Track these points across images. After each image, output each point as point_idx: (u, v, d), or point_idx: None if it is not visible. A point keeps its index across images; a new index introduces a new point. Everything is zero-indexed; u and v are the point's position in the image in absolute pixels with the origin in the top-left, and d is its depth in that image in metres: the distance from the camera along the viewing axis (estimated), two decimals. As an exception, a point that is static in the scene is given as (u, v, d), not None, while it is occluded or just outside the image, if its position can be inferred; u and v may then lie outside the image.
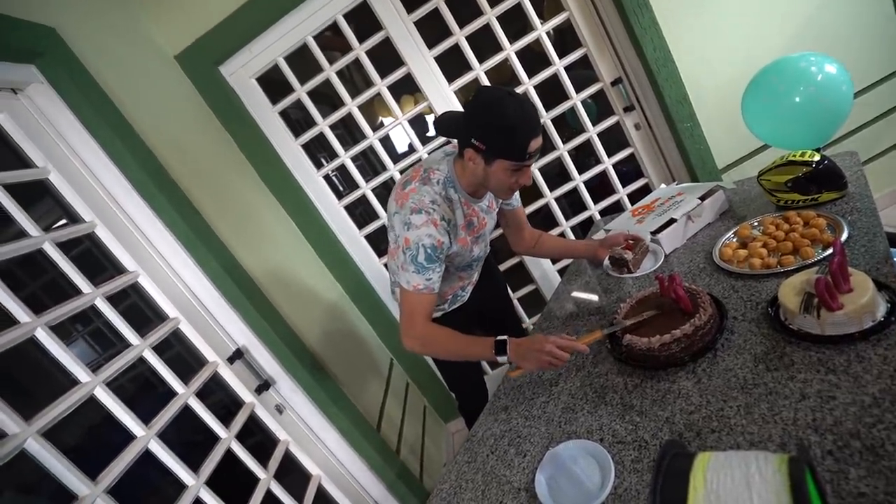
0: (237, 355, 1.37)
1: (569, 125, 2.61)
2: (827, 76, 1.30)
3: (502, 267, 2.23)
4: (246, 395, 1.38)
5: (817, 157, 1.08)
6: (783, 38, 1.83)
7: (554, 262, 2.24)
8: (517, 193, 1.44)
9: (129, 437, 1.02)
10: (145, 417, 1.06)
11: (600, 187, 2.18)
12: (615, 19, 1.85)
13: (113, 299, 1.13)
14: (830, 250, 0.87)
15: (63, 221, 1.24)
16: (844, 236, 0.91)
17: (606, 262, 1.33)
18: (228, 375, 1.36)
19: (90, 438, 1.07)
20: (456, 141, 1.12)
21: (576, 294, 1.36)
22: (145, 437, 1.03)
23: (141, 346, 1.13)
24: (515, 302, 2.29)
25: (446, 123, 1.13)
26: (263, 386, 1.41)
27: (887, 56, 1.87)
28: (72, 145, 1.16)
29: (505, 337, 1.03)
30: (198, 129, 1.70)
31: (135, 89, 1.40)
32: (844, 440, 0.58)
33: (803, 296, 0.74)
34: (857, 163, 1.20)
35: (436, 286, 1.10)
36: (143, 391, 1.25)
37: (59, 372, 0.97)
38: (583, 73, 2.01)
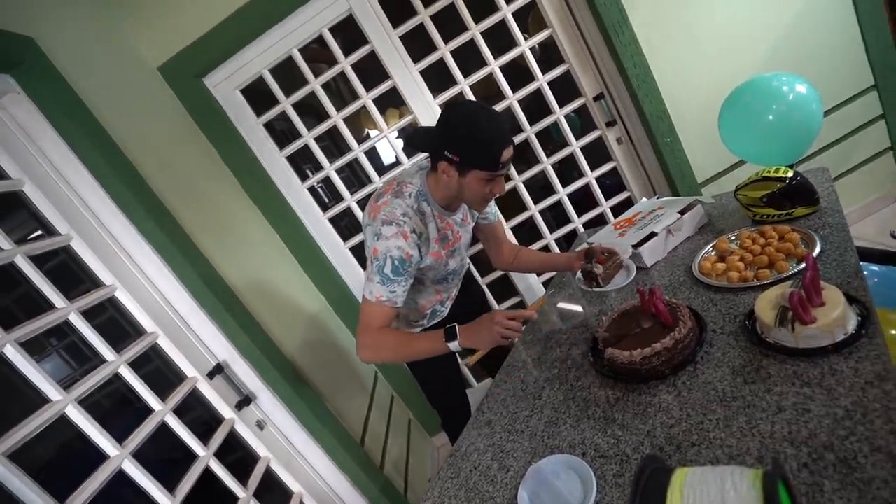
0: (217, 370, 1.34)
1: (553, 139, 2.65)
2: (798, 95, 1.35)
3: (487, 279, 2.24)
4: (226, 410, 1.35)
5: (791, 174, 1.11)
6: (757, 57, 1.89)
7: (538, 274, 2.25)
8: (495, 208, 1.46)
9: (101, 457, 0.99)
10: (120, 436, 1.03)
11: (584, 200, 2.21)
12: (596, 36, 1.90)
13: (88, 314, 1.10)
14: (804, 264, 0.89)
15: (38, 233, 1.21)
16: (817, 251, 0.93)
17: (578, 274, 1.34)
18: (208, 391, 1.32)
19: (60, 459, 1.03)
20: None
21: (560, 306, 1.37)
22: (119, 456, 1.00)
23: (116, 362, 1.09)
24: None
25: (417, 138, 1.16)
26: (244, 401, 1.38)
27: (854, 76, 1.95)
28: (48, 156, 1.14)
29: (453, 325, 1.08)
30: (180, 141, 1.68)
31: (115, 100, 1.38)
32: (819, 453, 0.59)
33: (778, 309, 0.76)
34: (828, 178, 1.24)
35: (399, 300, 1.10)
36: (118, 408, 1.22)
37: (29, 390, 0.94)
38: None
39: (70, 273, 1.19)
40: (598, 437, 0.81)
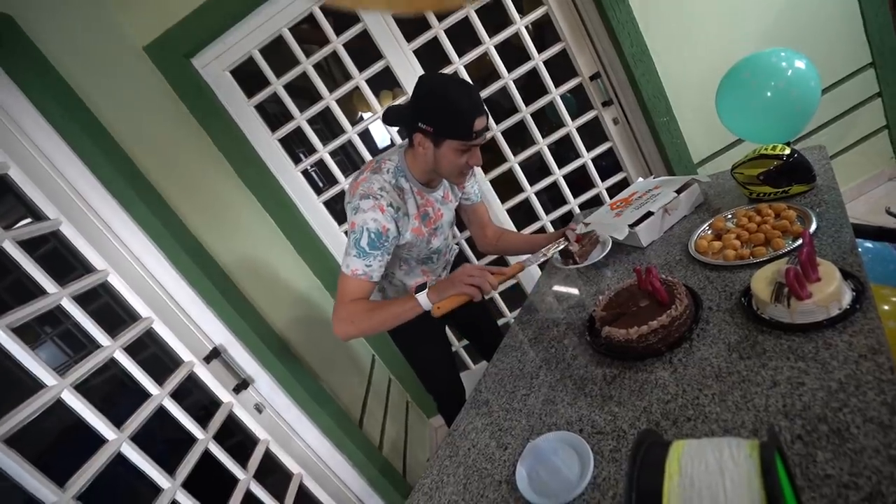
0: (214, 354, 1.34)
1: (549, 119, 2.62)
2: (796, 72, 1.34)
3: (482, 262, 2.24)
4: (224, 394, 1.36)
5: (788, 151, 1.10)
6: (755, 34, 1.87)
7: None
8: (477, 188, 1.46)
9: (100, 441, 0.99)
10: (118, 420, 1.03)
11: (580, 181, 2.20)
12: (593, 14, 1.86)
13: (82, 299, 1.09)
14: (800, 241, 0.89)
15: (27, 221, 1.18)
16: (813, 228, 0.93)
17: (556, 256, 1.35)
18: (205, 375, 1.33)
19: (58, 443, 1.03)
20: None
21: (556, 288, 1.37)
22: (117, 440, 1.00)
23: (112, 347, 1.09)
24: (496, 297, 2.30)
25: (394, 114, 1.16)
26: (242, 385, 1.38)
27: (852, 53, 1.93)
28: (33, 139, 1.11)
29: (426, 281, 1.12)
30: (169, 123, 1.65)
31: (101, 81, 1.34)
32: (812, 424, 0.59)
33: (774, 286, 0.76)
34: (825, 157, 1.23)
35: (374, 274, 1.09)
36: (115, 393, 1.21)
37: (25, 376, 0.93)
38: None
39: (61, 259, 1.17)
40: (595, 413, 0.81)
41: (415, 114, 1.07)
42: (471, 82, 1.12)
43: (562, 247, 1.27)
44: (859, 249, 0.86)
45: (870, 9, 1.86)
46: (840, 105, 1.99)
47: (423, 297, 1.06)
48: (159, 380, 1.17)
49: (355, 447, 1.59)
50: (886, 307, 1.02)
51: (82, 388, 0.99)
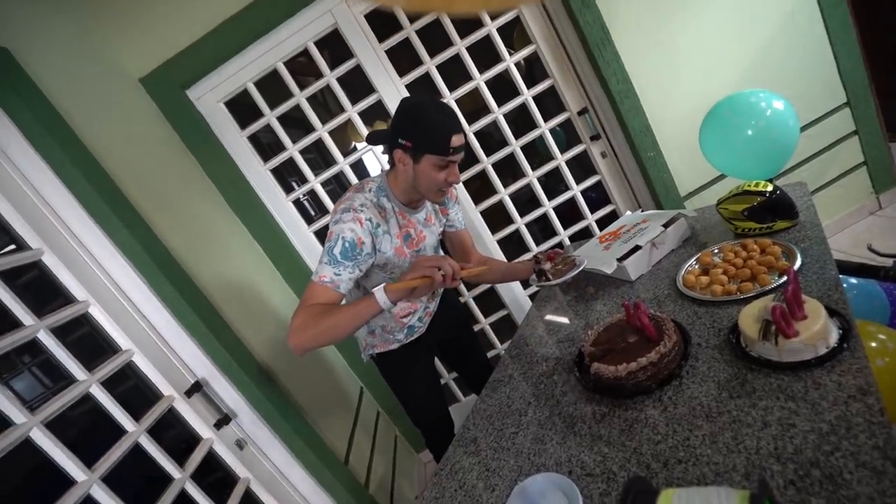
0: (195, 388, 1.30)
1: (539, 152, 2.67)
2: (775, 111, 1.38)
3: (474, 292, 2.23)
4: (204, 430, 1.31)
5: (770, 188, 1.12)
6: (736, 74, 1.94)
7: (524, 286, 2.25)
8: (461, 216, 1.47)
9: (68, 483, 0.94)
10: (90, 460, 0.98)
11: (569, 213, 2.22)
12: (580, 52, 1.93)
13: (60, 331, 1.05)
14: (786, 278, 0.90)
15: (10, 248, 1.16)
16: (798, 264, 0.94)
17: (533, 275, 1.37)
18: (185, 410, 1.28)
19: (24, 485, 0.98)
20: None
21: (547, 318, 1.36)
22: (87, 481, 0.95)
23: (88, 382, 1.05)
24: (487, 327, 2.28)
25: (376, 136, 1.20)
26: (223, 420, 1.33)
27: (828, 93, 2.01)
28: (20, 168, 1.10)
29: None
30: (161, 153, 1.65)
31: (93, 111, 1.35)
32: (805, 469, 0.58)
33: (761, 323, 0.76)
34: (806, 193, 1.26)
35: (342, 286, 1.06)
36: (89, 430, 1.16)
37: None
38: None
39: (41, 289, 1.14)
40: (584, 454, 0.79)
41: (394, 131, 1.11)
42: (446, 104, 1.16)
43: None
44: (844, 286, 0.86)
45: (842, 51, 1.95)
46: (819, 142, 2.06)
47: (379, 292, 1.01)
48: (136, 415, 1.13)
49: (341, 486, 1.53)
50: (874, 344, 1.02)
51: (53, 424, 0.95)
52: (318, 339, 1.01)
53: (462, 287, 2.22)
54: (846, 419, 0.61)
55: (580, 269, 1.25)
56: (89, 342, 1.22)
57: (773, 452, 0.62)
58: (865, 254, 1.92)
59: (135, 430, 1.11)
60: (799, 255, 0.96)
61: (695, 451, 0.68)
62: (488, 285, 2.21)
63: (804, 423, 0.63)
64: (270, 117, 1.92)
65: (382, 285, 1.02)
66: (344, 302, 1.12)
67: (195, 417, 1.28)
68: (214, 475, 1.38)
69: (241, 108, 1.95)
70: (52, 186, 1.12)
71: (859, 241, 2.05)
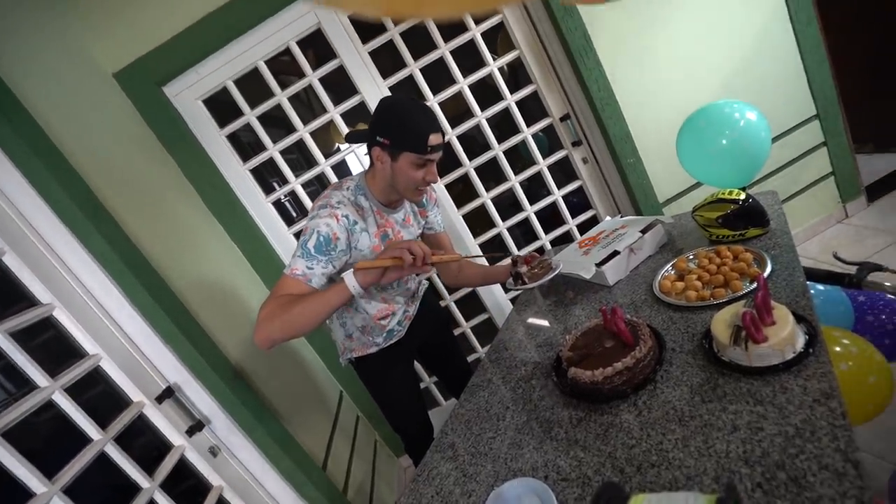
0: (167, 394, 1.26)
1: (521, 157, 2.70)
2: (748, 122, 1.42)
3: (455, 296, 2.23)
4: (175, 437, 1.27)
5: (743, 196, 1.16)
6: (713, 84, 2.00)
7: (505, 290, 2.26)
8: (440, 218, 1.48)
9: (27, 496, 0.90)
10: (50, 471, 0.94)
11: (551, 217, 2.25)
12: (563, 59, 1.95)
13: (21, 335, 1.01)
14: (756, 284, 0.92)
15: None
16: (768, 271, 0.97)
17: (510, 279, 1.38)
18: (156, 416, 1.24)
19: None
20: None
21: (528, 321, 1.37)
22: (47, 493, 0.91)
23: (50, 388, 1.01)
24: (468, 331, 2.28)
25: (356, 135, 1.21)
26: (196, 426, 1.30)
27: (799, 106, 2.09)
28: (-18, 164, 1.06)
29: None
30: (136, 151, 1.61)
31: (62, 104, 1.31)
32: (771, 472, 0.59)
33: (733, 328, 0.78)
34: (777, 201, 1.30)
35: (314, 280, 1.05)
36: (51, 439, 1.12)
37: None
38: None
39: (1, 290, 1.10)
40: (560, 459, 0.79)
41: (373, 129, 1.12)
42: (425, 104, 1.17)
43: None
44: (811, 292, 0.89)
45: (812, 66, 2.03)
46: (789, 153, 2.13)
47: (348, 276, 1.00)
48: (103, 423, 1.09)
49: (318, 492, 1.50)
50: (838, 349, 1.06)
51: (12, 434, 0.91)
52: (285, 329, 0.98)
53: (443, 290, 2.21)
54: (811, 422, 0.63)
55: (555, 273, 1.27)
56: (54, 347, 1.17)
57: (741, 456, 0.63)
58: (834, 261, 1.99)
59: (101, 439, 1.07)
60: (769, 262, 0.99)
61: (667, 455, 0.69)
62: (469, 289, 2.21)
63: (771, 426, 0.65)
64: (250, 116, 1.89)
65: (351, 269, 1.02)
66: None
67: (166, 424, 1.25)
68: (186, 483, 1.34)
69: (221, 107, 1.92)
70: (15, 183, 1.08)
71: (828, 249, 2.12)
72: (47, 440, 1.10)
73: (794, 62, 2.03)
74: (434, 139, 1.09)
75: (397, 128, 1.09)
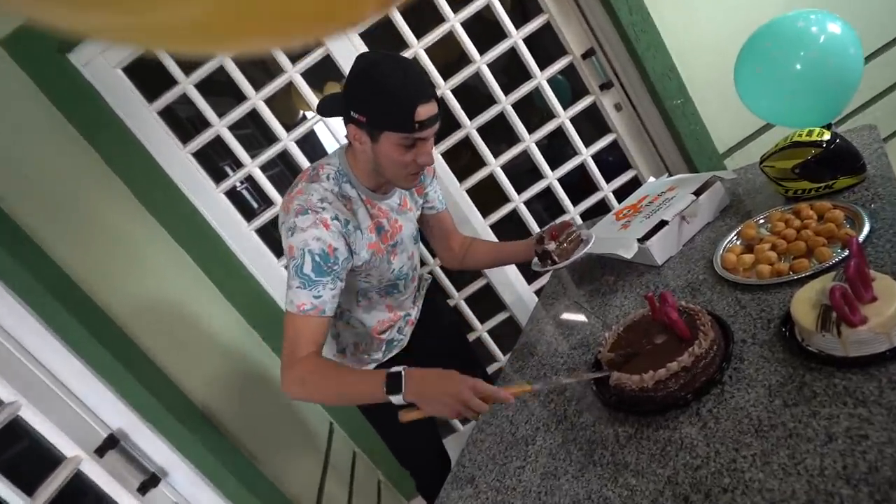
0: (110, 443, 1.29)
1: (537, 109, 2.67)
2: (830, 37, 1.38)
3: (468, 290, 2.23)
4: (124, 497, 1.29)
5: (827, 136, 1.13)
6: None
7: (529, 281, 2.25)
8: (440, 195, 1.47)
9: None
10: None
11: (581, 183, 2.23)
12: (580, -23, 1.92)
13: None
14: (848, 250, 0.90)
15: None
16: (865, 232, 0.95)
17: (535, 259, 1.38)
18: (98, 473, 1.27)
19: None
20: None
21: (556, 318, 1.37)
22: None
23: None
24: (485, 335, 2.29)
25: (328, 104, 1.17)
26: (151, 481, 1.33)
27: (898, 11, 2.02)
28: None
29: (401, 368, 1.01)
30: (41, 141, 1.62)
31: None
32: (883, 492, 0.58)
33: (820, 309, 0.76)
34: (876, 139, 1.27)
35: (328, 308, 1.07)
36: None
37: None
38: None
39: None
40: (607, 488, 0.79)
41: (347, 100, 1.08)
42: (414, 61, 1.13)
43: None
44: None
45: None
46: (891, 74, 2.07)
47: (396, 399, 1.01)
48: (30, 488, 1.10)
49: (309, 551, 1.53)
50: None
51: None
52: (315, 401, 1.20)
53: (451, 287, 2.21)
54: (930, 425, 0.61)
55: (589, 245, 1.26)
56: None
57: (841, 473, 0.62)
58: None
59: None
60: (867, 221, 0.97)
61: (743, 475, 0.68)
62: (483, 282, 2.21)
63: (879, 433, 0.64)
64: (187, 84, 1.88)
65: (401, 395, 0.99)
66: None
67: (110, 481, 1.27)
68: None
69: (148, 75, 1.91)
70: None
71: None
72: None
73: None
74: (424, 111, 1.04)
75: (374, 100, 1.04)
